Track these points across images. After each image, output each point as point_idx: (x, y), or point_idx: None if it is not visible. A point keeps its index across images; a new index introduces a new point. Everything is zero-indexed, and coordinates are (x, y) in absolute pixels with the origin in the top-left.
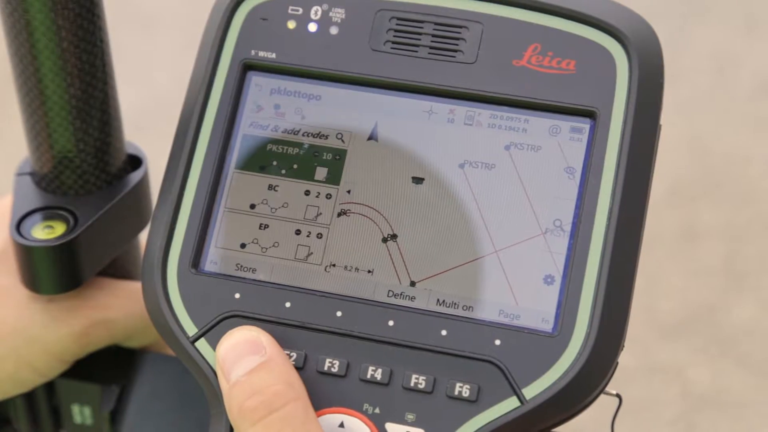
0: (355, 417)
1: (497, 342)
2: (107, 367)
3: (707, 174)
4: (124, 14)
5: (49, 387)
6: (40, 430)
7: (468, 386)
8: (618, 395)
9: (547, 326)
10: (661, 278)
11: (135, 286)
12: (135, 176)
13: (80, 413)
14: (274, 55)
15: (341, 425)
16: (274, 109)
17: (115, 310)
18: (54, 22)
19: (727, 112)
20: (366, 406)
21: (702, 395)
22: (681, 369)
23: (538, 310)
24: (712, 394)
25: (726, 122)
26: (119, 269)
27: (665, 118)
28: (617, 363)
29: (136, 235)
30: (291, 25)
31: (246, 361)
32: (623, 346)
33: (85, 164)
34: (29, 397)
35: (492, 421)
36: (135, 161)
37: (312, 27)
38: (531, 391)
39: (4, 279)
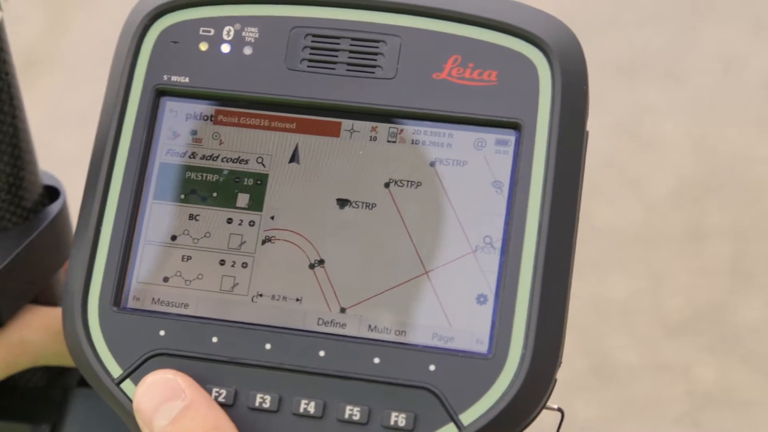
0: None
1: (431, 367)
2: (38, 406)
3: (713, 173)
4: None
5: None
6: None
7: (404, 415)
8: (560, 409)
9: (482, 347)
10: (667, 277)
11: (57, 312)
12: (53, 209)
13: None
14: (187, 79)
15: None
16: (191, 135)
17: (34, 330)
18: None
19: (732, 111)
20: None
21: (708, 393)
22: (687, 367)
23: (471, 331)
24: (718, 392)
25: (732, 122)
26: (42, 299)
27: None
28: (555, 380)
29: (58, 269)
30: (203, 47)
31: (166, 409)
32: (560, 362)
33: None
34: None
35: None
36: (52, 192)
37: (225, 48)
38: (469, 417)
39: None
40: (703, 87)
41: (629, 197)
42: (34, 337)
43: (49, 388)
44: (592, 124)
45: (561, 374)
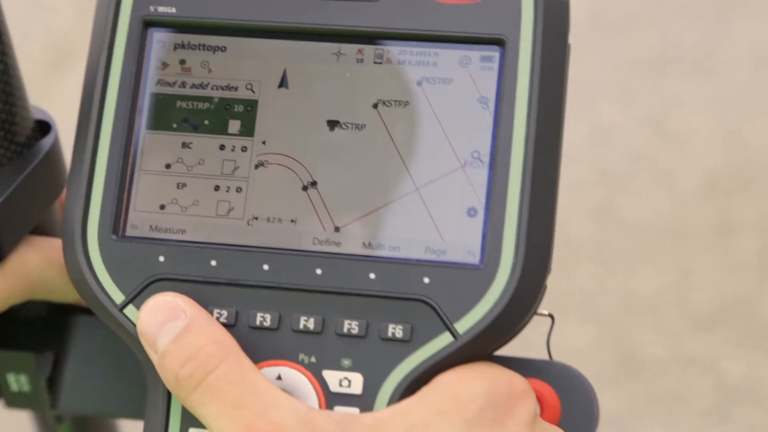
0: (292, 368)
1: (426, 280)
2: (40, 335)
3: (743, 168)
4: None
5: None
6: None
7: (401, 327)
8: (550, 315)
9: (474, 259)
10: (695, 271)
11: (54, 241)
12: (45, 143)
13: (16, 381)
14: (174, 10)
15: (279, 377)
16: (180, 65)
17: (35, 259)
18: None
19: (763, 106)
20: (302, 356)
21: (736, 387)
22: (714, 361)
23: (463, 243)
24: (746, 385)
25: (762, 116)
26: (38, 231)
27: (702, 111)
28: (545, 286)
29: (54, 200)
30: None
31: (168, 329)
32: (550, 269)
33: None
34: None
35: (427, 358)
36: (43, 126)
37: None
38: (463, 325)
39: None
40: (733, 81)
41: (658, 191)
42: (35, 266)
43: (51, 318)
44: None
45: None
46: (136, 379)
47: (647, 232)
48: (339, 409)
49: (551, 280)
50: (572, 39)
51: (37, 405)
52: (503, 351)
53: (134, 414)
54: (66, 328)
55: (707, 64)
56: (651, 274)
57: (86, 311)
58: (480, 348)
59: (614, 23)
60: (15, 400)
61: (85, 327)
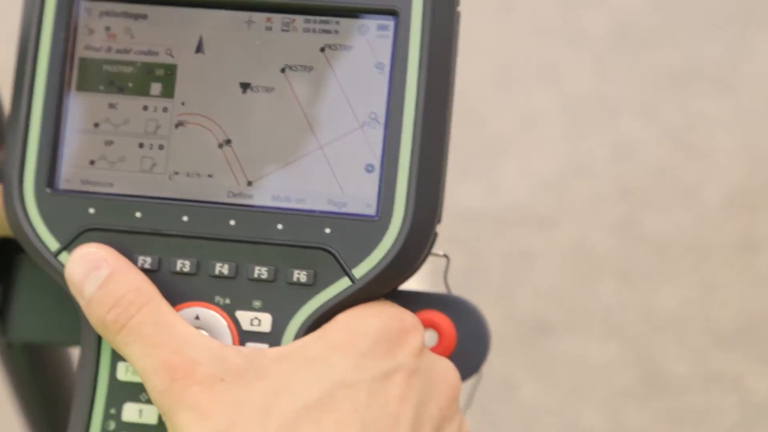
0: (209, 308)
1: (327, 230)
2: None
3: (766, 183)
4: None
5: None
6: None
7: (305, 272)
8: (445, 255)
9: (371, 210)
10: (718, 288)
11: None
12: None
13: None
14: None
15: (197, 317)
16: (105, 31)
17: None
18: None
19: None
20: (217, 298)
21: (760, 405)
22: (739, 378)
23: (361, 197)
24: None
25: None
26: None
27: (726, 126)
28: (436, 234)
29: None
30: None
31: (93, 278)
32: (440, 219)
33: None
34: None
35: (328, 300)
36: None
37: None
38: (360, 271)
39: None
40: (757, 96)
41: (681, 206)
42: None
43: None
44: (645, 133)
45: (611, 384)
46: (77, 310)
47: (670, 247)
48: (250, 345)
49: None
50: (594, 53)
51: None
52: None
53: (77, 342)
54: (13, 264)
55: (730, 79)
56: (674, 289)
57: None
58: (376, 290)
59: (637, 38)
60: None
61: (31, 263)
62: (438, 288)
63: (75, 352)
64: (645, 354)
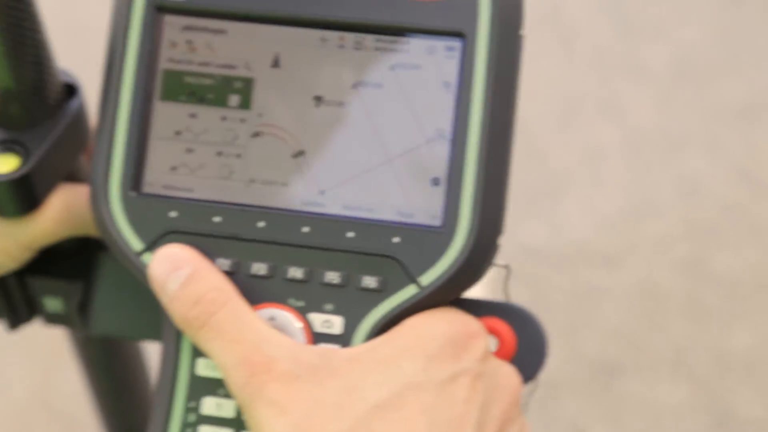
0: (284, 310)
1: (395, 239)
2: (73, 265)
3: None
4: None
5: (22, 282)
6: (18, 316)
7: (374, 279)
8: (506, 266)
9: (437, 222)
10: None
11: (85, 187)
12: (74, 104)
13: (52, 303)
14: None
15: (272, 318)
16: (187, 45)
17: (74, 207)
18: None
19: None
20: (291, 300)
21: None
22: None
23: (427, 208)
24: None
25: None
26: (67, 179)
27: None
28: (498, 245)
29: (80, 153)
30: None
31: (175, 276)
32: (502, 231)
33: (26, 97)
34: (4, 289)
35: (396, 306)
36: (70, 88)
37: None
38: (426, 279)
39: None
40: None
41: (750, 243)
42: (73, 206)
43: (80, 252)
44: (710, 168)
45: (682, 428)
46: (155, 307)
47: (740, 286)
48: (322, 346)
49: (640, 335)
50: (656, 87)
51: (70, 324)
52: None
53: (154, 336)
54: (93, 262)
55: None
56: (746, 330)
57: None
58: (441, 297)
59: (699, 71)
60: (51, 319)
61: (110, 262)
62: (496, 297)
63: (147, 347)
64: (717, 397)
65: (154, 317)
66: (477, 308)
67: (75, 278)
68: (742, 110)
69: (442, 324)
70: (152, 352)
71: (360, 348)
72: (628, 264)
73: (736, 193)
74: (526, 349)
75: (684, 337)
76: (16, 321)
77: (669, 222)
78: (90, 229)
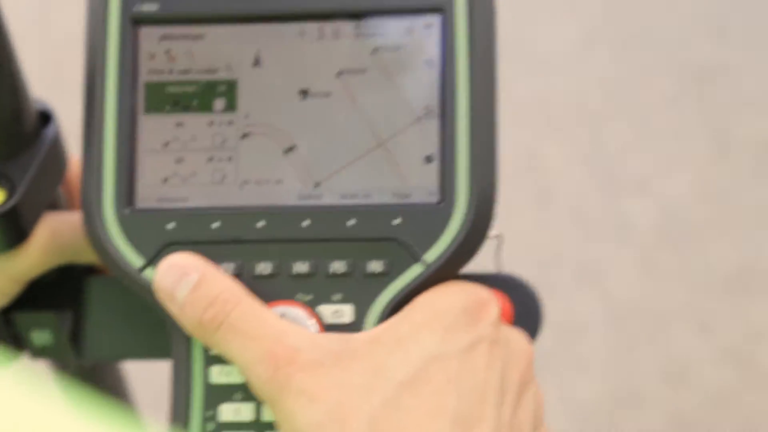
0: (293, 306)
1: (395, 221)
2: (59, 295)
3: None
4: None
5: (6, 318)
6: (5, 355)
7: (380, 263)
8: (499, 236)
9: (434, 198)
10: None
11: (69, 214)
12: (51, 131)
13: (40, 337)
14: (156, 7)
15: (283, 315)
16: (166, 55)
17: (62, 236)
18: None
19: None
20: (299, 295)
21: None
22: None
23: (424, 186)
24: None
25: None
26: (48, 208)
27: None
28: (495, 214)
29: (61, 180)
30: None
31: (184, 283)
32: (497, 200)
33: (4, 127)
34: None
35: (404, 286)
36: (44, 116)
37: None
38: (431, 256)
39: None
40: None
41: None
42: (60, 235)
43: (63, 281)
44: (697, 348)
45: None
46: (149, 325)
47: None
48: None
49: None
50: (640, 250)
51: (59, 357)
52: None
53: (151, 355)
54: (79, 289)
55: None
56: None
57: (95, 271)
58: (447, 272)
59: (686, 230)
60: (39, 353)
61: (99, 285)
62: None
63: (130, 374)
64: None
65: (149, 335)
66: (473, 281)
67: (63, 308)
68: (732, 278)
69: (453, 296)
70: (134, 378)
71: (378, 329)
72: None
73: (727, 379)
74: (523, 315)
75: None
76: (2, 360)
77: (653, 414)
78: (77, 256)
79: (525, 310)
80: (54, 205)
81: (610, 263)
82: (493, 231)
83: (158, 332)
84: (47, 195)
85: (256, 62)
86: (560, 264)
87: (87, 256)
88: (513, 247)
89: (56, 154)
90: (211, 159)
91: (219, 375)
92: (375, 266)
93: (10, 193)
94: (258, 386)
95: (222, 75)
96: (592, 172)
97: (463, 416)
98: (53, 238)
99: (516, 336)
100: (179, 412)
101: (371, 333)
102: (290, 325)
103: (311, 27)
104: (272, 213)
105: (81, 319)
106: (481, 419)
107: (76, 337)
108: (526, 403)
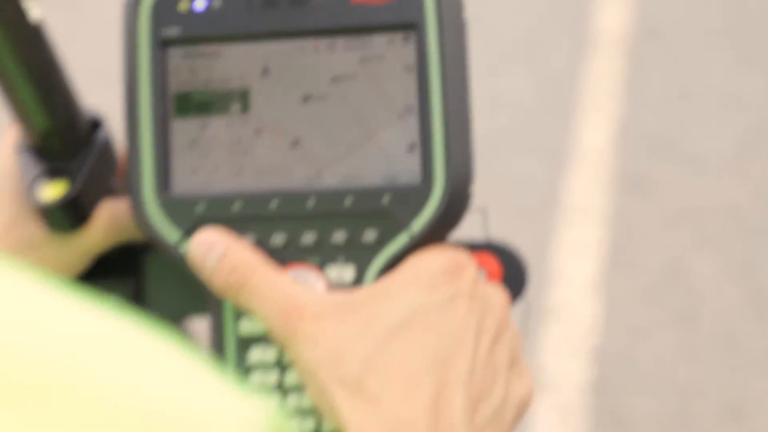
0: (304, 266)
1: (385, 199)
2: (122, 267)
3: None
4: None
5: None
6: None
7: (374, 233)
8: (483, 209)
9: (417, 179)
10: None
11: (127, 201)
12: (101, 134)
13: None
14: (179, 29)
15: (296, 275)
16: (189, 69)
17: (118, 217)
18: (13, 51)
19: None
20: (309, 258)
21: None
22: None
23: (408, 170)
24: None
25: None
26: (107, 195)
27: None
28: (471, 193)
29: (113, 173)
30: (183, 7)
31: (212, 254)
32: (473, 181)
33: (62, 133)
34: None
35: (395, 251)
36: (95, 122)
37: (199, 5)
38: (416, 226)
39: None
40: None
41: None
42: (117, 216)
43: (124, 254)
44: None
45: None
46: (195, 288)
47: None
48: (340, 291)
49: None
50: None
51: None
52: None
53: (197, 311)
54: (139, 261)
55: None
56: None
57: (153, 249)
58: (430, 239)
59: None
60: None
61: (153, 258)
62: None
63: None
64: None
65: (195, 297)
66: (464, 246)
67: (126, 276)
68: None
69: (435, 258)
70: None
71: (372, 287)
72: None
73: None
74: (511, 274)
75: None
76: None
77: None
78: (132, 234)
79: (512, 270)
80: (112, 193)
81: None
82: (477, 208)
83: (199, 294)
84: (102, 186)
85: (265, 72)
86: None
87: (139, 234)
88: None
89: (107, 152)
90: (230, 153)
91: (246, 326)
92: (370, 235)
93: (72, 185)
94: (274, 333)
95: (237, 84)
96: None
97: (442, 355)
98: (111, 220)
99: (493, 291)
100: (217, 357)
101: (366, 290)
102: (299, 287)
103: (310, 42)
104: (283, 195)
105: (140, 285)
106: (457, 356)
107: (136, 301)
108: (502, 344)
